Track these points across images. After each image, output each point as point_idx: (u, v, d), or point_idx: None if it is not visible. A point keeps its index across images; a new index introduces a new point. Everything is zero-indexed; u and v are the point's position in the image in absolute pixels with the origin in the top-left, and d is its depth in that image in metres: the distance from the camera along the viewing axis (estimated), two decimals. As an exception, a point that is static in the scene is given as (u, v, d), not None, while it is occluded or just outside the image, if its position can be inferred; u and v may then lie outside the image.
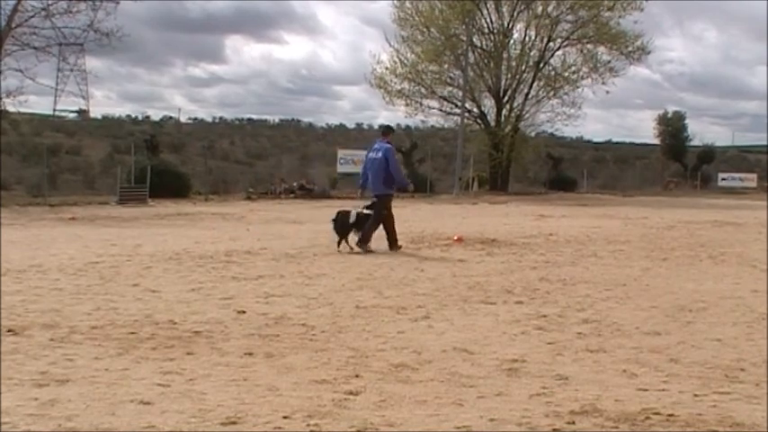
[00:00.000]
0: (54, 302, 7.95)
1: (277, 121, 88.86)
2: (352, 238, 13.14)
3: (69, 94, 74.36)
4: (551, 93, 41.72)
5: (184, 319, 7.24)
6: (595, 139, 77.86)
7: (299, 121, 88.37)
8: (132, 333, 6.65)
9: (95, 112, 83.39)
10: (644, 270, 11.43)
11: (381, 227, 13.32)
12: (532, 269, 11.32)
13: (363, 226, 13.12)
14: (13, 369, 5.43)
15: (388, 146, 13.69)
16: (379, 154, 13.45)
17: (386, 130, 14.15)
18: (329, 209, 26.14)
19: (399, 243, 13.45)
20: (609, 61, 41.00)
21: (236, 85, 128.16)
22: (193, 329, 6.83)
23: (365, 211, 13.26)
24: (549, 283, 10.02)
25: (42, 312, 7.43)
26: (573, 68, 41.27)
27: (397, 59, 40.78)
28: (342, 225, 13.21)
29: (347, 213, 13.26)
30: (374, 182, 13.48)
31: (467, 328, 7.15)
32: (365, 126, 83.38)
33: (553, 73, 41.61)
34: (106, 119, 72.98)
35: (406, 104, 41.63)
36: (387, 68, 40.89)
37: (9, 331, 6.56)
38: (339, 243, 13.08)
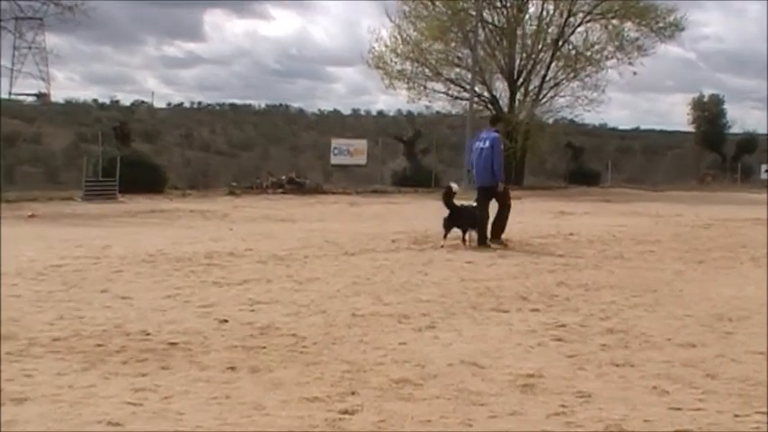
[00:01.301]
0: (11, 311, 7.93)
1: (263, 106, 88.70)
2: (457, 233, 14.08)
3: (27, 75, 74.26)
4: (571, 74, 41.73)
5: (159, 330, 7.24)
6: (621, 127, 77.91)
7: (287, 106, 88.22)
8: (100, 345, 6.64)
9: (57, 95, 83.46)
10: (677, 274, 11.43)
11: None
12: (550, 273, 11.32)
13: (469, 220, 14.09)
14: (-35, 386, 5.42)
15: (496, 135, 14.72)
16: (487, 143, 14.47)
17: (494, 119, 15.75)
18: (322, 205, 26.26)
19: (505, 239, 14.38)
20: (637, 39, 41.03)
21: (216, 65, 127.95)
22: (169, 341, 6.83)
23: (473, 204, 14.33)
24: (568, 288, 10.02)
25: (-1, 322, 7.41)
26: (596, 47, 41.29)
27: (398, 37, 40.78)
28: (453, 219, 14.06)
29: (460, 206, 14.18)
30: (481, 173, 14.49)
31: (476, 339, 7.15)
32: (362, 112, 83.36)
33: (574, 52, 41.60)
34: (69, 103, 72.90)
35: (409, 88, 41.62)
36: (386, 47, 40.88)
37: (-39, 343, 6.54)
38: (445, 237, 13.95)
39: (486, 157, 14.37)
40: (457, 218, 14.13)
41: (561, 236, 16.30)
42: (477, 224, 14.18)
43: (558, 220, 20.80)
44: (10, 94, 71.34)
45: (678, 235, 17.10)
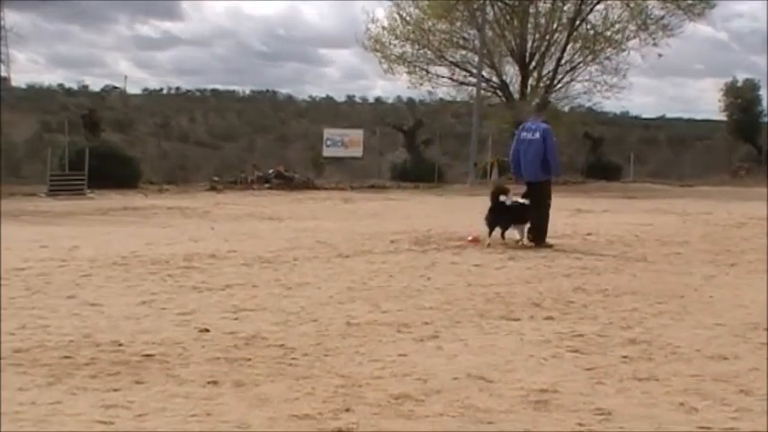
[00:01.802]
0: (-31, 319, 7.94)
1: (248, 92, 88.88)
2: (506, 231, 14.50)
3: (-17, 56, 74.29)
4: (589, 57, 41.76)
5: (132, 340, 7.24)
6: (645, 115, 78.14)
7: (275, 92, 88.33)
8: (67, 357, 6.64)
9: (18, 80, 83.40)
10: (707, 278, 11.44)
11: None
12: (565, 277, 11.33)
13: (518, 218, 14.45)
14: None
15: (546, 126, 14.85)
16: (536, 135, 14.54)
17: (541, 106, 16.06)
18: (313, 202, 26.28)
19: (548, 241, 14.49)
20: (662, 17, 41.03)
21: (195, 47, 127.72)
22: (144, 352, 6.83)
23: (521, 200, 14.54)
24: (586, 294, 10.03)
25: (-46, 331, 7.42)
26: (617, 26, 41.34)
27: (397, 16, 40.87)
28: (496, 215, 14.42)
29: (502, 202, 14.54)
30: (529, 167, 14.58)
31: (484, 351, 7.16)
32: (357, 99, 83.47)
33: (592, 32, 41.63)
34: (32, 88, 72.92)
35: (409, 72, 41.73)
36: (384, 28, 40.98)
37: None
38: (490, 234, 14.37)
39: (536, 149, 14.47)
40: (500, 214, 14.51)
41: (578, 236, 16.31)
42: (523, 222, 14.54)
43: (575, 218, 20.80)
44: (-35, 78, 71.27)
45: (708, 235, 17.10)
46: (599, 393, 5.95)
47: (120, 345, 7.06)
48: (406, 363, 6.69)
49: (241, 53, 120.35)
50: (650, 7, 40.99)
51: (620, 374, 6.44)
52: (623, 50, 41.41)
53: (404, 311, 8.76)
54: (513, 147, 14.99)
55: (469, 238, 14.90)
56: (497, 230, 14.49)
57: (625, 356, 7.02)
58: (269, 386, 5.96)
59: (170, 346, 7.03)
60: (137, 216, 20.26)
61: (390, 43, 40.96)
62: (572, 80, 42.55)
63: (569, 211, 22.73)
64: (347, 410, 5.44)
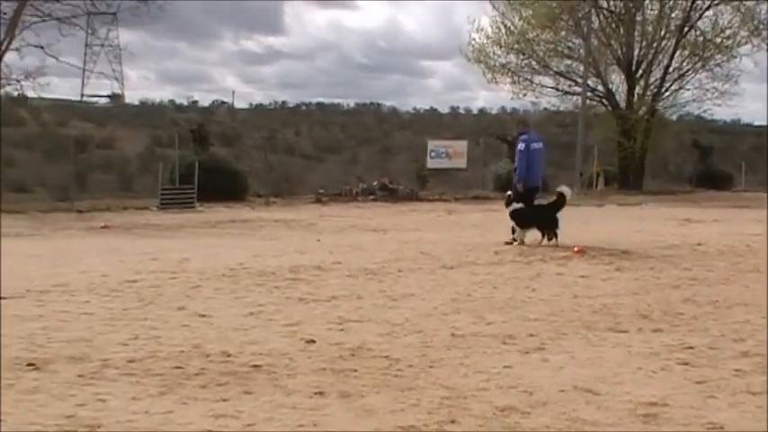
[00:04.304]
0: (83, 330, 8.15)
1: (352, 105, 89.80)
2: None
3: (100, 75, 76.59)
4: (699, 64, 40.98)
5: (241, 351, 7.35)
6: (757, 123, 75.96)
7: (379, 105, 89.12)
8: (178, 367, 6.78)
9: (131, 96, 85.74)
10: (821, 289, 11.12)
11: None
12: (675, 288, 11.15)
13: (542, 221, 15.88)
14: (33, 412, 5.59)
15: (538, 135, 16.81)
16: (541, 144, 16.40)
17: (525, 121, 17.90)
18: (416, 213, 26.30)
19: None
20: (774, 22, 40.04)
21: (299, 61, 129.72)
22: (252, 363, 6.93)
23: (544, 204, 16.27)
24: (696, 305, 9.85)
25: (69, 342, 7.62)
26: (727, 32, 40.43)
27: (501, 26, 40.70)
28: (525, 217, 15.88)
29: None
30: (539, 173, 16.36)
31: (591, 363, 7.08)
32: (461, 110, 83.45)
33: (701, 39, 40.84)
34: (144, 105, 74.96)
35: (513, 82, 41.52)
36: (488, 38, 40.84)
37: (29, 365, 6.74)
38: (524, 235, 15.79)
39: (543, 157, 16.61)
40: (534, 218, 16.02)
41: (687, 246, 16.01)
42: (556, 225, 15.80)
43: (684, 228, 20.44)
44: (82, 95, 73.65)
45: (823, 245, 16.60)
46: (710, 407, 5.84)
47: (229, 355, 7.18)
48: (511, 375, 6.66)
49: (343, 66, 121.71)
50: (762, 12, 40.09)
51: (732, 388, 6.31)
52: (734, 57, 40.59)
53: (509, 323, 8.72)
54: (527, 157, 16.02)
55: (575, 249, 14.76)
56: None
57: (737, 370, 6.87)
58: (374, 397, 5.99)
59: (277, 357, 7.12)
60: (244, 228, 20.55)
61: (494, 54, 40.86)
62: (680, 88, 41.88)
63: (678, 221, 22.38)
64: (452, 422, 5.44)
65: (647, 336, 8.19)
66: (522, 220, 15.84)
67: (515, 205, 15.93)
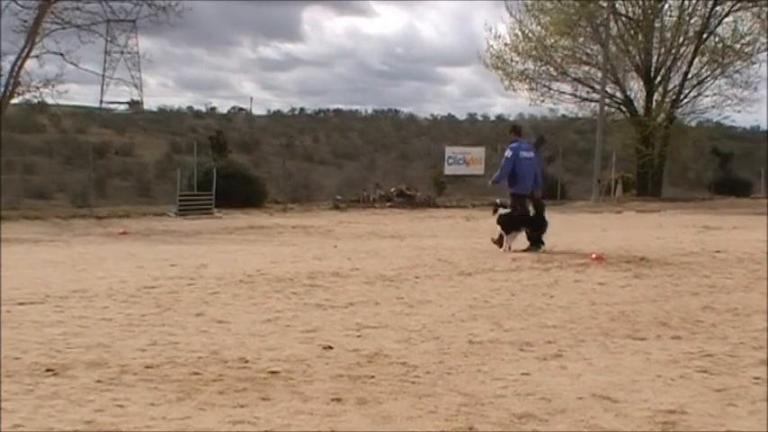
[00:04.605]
0: (102, 336, 8.18)
1: (370, 111, 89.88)
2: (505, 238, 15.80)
3: (119, 81, 76.84)
4: (718, 71, 40.96)
5: (258, 357, 7.36)
6: (776, 130, 75.74)
7: (397, 111, 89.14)
8: (195, 373, 6.79)
9: (150, 103, 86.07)
10: (842, 297, 11.05)
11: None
12: (693, 295, 11.10)
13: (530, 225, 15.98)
14: (52, 417, 5.61)
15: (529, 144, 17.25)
16: (531, 153, 16.59)
17: (518, 129, 17.52)
18: (434, 220, 26.32)
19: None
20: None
21: (317, 68, 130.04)
22: (269, 369, 6.93)
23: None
24: (715, 313, 9.80)
25: (88, 348, 7.64)
26: (747, 38, 40.39)
27: (519, 33, 40.73)
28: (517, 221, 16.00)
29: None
30: (530, 181, 16.19)
31: (609, 370, 7.05)
32: (479, 117, 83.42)
33: (720, 45, 40.77)
34: (162, 111, 75.13)
35: (531, 89, 41.61)
36: (506, 44, 40.92)
37: (48, 371, 6.77)
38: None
39: (535, 165, 16.53)
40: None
41: (706, 253, 15.93)
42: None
43: (703, 235, 20.35)
44: (101, 102, 74.03)
45: (844, 252, 16.50)
46: (730, 415, 5.80)
47: (247, 361, 7.19)
48: (529, 382, 6.64)
49: (361, 73, 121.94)
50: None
51: (751, 396, 6.27)
52: (753, 63, 40.55)
53: (526, 330, 8.69)
54: (512, 166, 16.12)
55: (593, 255, 14.72)
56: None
57: (757, 377, 6.83)
58: (392, 404, 5.99)
59: (295, 363, 7.12)
60: (262, 235, 20.61)
61: (512, 60, 40.89)
62: (699, 94, 41.92)
63: (697, 228, 22.30)
64: (470, 429, 5.43)
65: (665, 343, 8.15)
66: (509, 225, 15.91)
67: (501, 211, 16.12)
